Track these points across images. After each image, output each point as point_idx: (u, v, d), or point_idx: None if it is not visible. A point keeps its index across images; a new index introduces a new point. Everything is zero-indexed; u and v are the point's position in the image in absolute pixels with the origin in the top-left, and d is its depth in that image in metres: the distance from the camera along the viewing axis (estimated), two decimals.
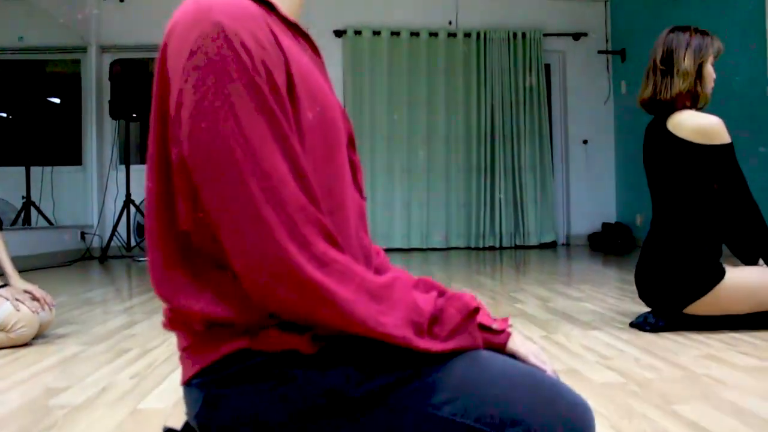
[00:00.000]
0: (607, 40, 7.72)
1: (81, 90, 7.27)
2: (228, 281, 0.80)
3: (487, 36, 7.50)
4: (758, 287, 2.15)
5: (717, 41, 2.25)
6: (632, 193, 7.20)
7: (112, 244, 6.62)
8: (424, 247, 7.39)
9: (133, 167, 6.93)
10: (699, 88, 2.19)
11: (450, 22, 7.60)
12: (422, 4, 7.57)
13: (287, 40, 0.84)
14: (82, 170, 7.33)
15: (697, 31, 2.26)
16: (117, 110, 6.60)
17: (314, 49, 0.95)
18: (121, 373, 1.80)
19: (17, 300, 2.17)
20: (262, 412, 0.80)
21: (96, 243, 7.03)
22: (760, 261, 2.26)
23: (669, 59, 2.21)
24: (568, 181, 7.79)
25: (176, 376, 1.74)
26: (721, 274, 2.13)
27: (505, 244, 7.38)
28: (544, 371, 0.90)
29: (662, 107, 2.23)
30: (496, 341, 0.92)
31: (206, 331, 0.83)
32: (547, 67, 7.78)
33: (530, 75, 7.52)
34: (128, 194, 6.72)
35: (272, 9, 0.86)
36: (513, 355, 0.93)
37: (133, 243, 6.90)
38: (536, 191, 7.48)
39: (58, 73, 7.29)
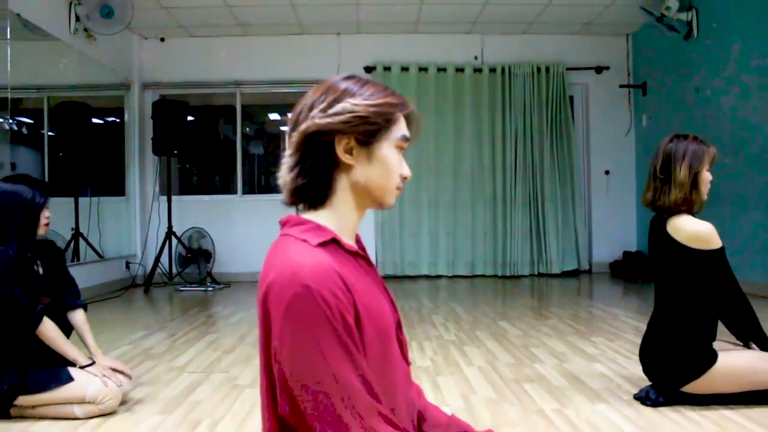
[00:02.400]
0: (628, 74, 7.98)
1: (124, 124, 7.70)
2: None
3: (512, 70, 7.81)
4: (747, 371, 2.45)
5: (712, 148, 2.55)
6: None
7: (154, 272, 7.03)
8: (450, 274, 7.70)
9: (174, 198, 7.35)
10: (694, 196, 2.49)
11: (475, 58, 7.93)
12: (448, 41, 7.89)
13: (350, 271, 1.18)
14: (125, 201, 7.77)
15: (695, 139, 2.55)
16: (159, 147, 7.02)
17: (368, 262, 1.29)
18: None
19: (105, 376, 2.55)
20: None
21: (139, 271, 7.46)
22: (752, 344, 2.57)
23: (667, 168, 2.51)
24: (590, 210, 8.06)
25: None
26: (714, 359, 2.43)
27: (528, 272, 7.67)
28: None
29: (662, 210, 2.54)
30: None
31: None
32: (570, 99, 8.05)
33: (554, 108, 7.79)
34: (170, 225, 7.13)
35: (338, 244, 1.21)
36: None
37: (174, 272, 7.30)
38: (559, 220, 7.76)
39: (102, 108, 7.69)
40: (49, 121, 6.50)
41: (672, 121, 6.93)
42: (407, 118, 1.30)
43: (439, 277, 7.67)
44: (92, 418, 2.51)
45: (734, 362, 2.46)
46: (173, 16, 7.08)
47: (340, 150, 1.21)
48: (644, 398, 2.58)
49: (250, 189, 8.27)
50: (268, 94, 8.42)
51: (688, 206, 2.50)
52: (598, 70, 7.96)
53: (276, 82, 7.94)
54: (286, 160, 1.27)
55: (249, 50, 7.85)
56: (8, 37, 4.91)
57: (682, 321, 2.50)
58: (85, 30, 6.27)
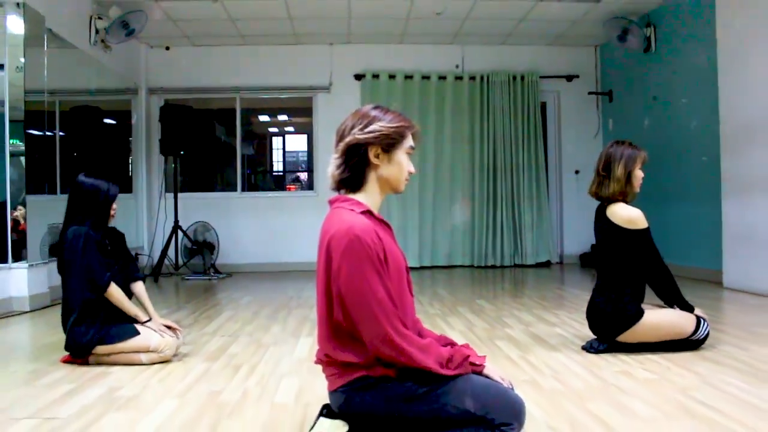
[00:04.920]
0: (596, 82, 8.73)
1: (131, 127, 8.31)
2: (358, 345, 1.81)
3: (490, 78, 8.53)
4: (666, 324, 3.17)
5: (643, 152, 3.26)
6: None
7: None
8: (430, 265, 8.41)
9: (180, 195, 7.95)
10: (628, 189, 3.20)
11: (457, 66, 8.64)
12: (432, 51, 8.60)
13: (380, 231, 1.85)
14: (133, 197, 8.36)
15: (630, 145, 3.26)
16: (167, 148, 7.63)
17: (388, 227, 1.96)
18: (248, 382, 2.82)
19: (162, 331, 3.21)
20: (373, 404, 1.81)
21: (147, 262, 8.06)
22: (675, 306, 3.28)
23: (608, 168, 3.22)
24: (561, 207, 8.82)
25: (285, 384, 2.77)
26: (641, 315, 3.14)
27: (505, 263, 8.40)
28: (502, 384, 1.90)
29: (603, 199, 3.25)
30: (479, 370, 1.92)
31: (345, 367, 1.84)
32: (543, 105, 8.81)
33: (528, 112, 8.52)
34: (176, 220, 7.74)
35: (371, 214, 1.88)
36: (487, 376, 1.92)
37: (180, 263, 7.91)
38: (533, 216, 8.50)
39: (112, 111, 8.27)
40: (62, 123, 7.07)
41: (634, 124, 7.68)
42: (413, 134, 1.98)
43: (422, 268, 8.35)
44: (154, 364, 3.17)
45: (657, 318, 3.18)
46: (180, 27, 7.71)
47: (371, 155, 1.88)
48: (589, 348, 3.29)
49: (242, 187, 8.88)
50: (256, 99, 9.09)
51: (623, 197, 3.21)
52: (569, 78, 8.71)
53: (273, 87, 8.61)
54: (333, 161, 1.94)
55: (248, 58, 8.51)
56: (45, 48, 5.54)
57: (617, 286, 3.21)
58: (102, 41, 6.88)
